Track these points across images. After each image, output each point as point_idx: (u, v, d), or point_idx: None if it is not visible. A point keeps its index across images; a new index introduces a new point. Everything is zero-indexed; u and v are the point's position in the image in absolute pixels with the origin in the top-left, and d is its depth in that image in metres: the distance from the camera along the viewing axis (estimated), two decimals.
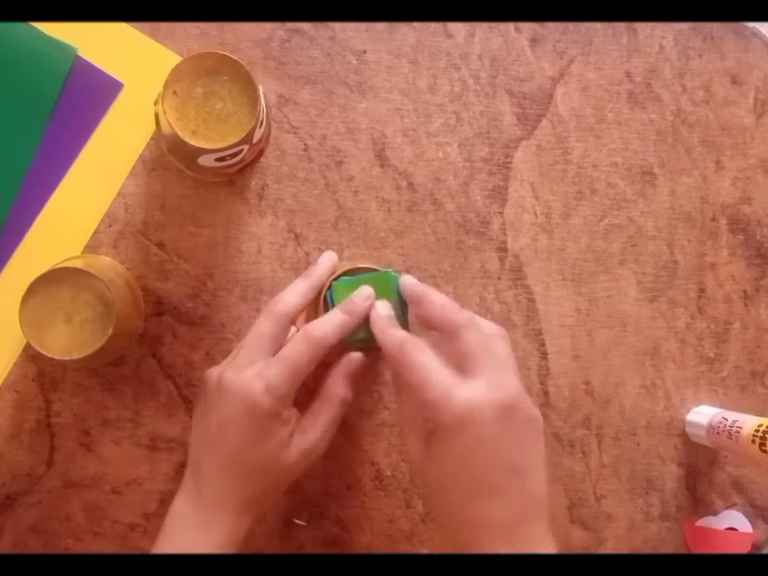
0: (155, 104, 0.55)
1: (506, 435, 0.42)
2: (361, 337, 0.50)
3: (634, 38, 0.65)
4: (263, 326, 0.48)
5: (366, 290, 0.49)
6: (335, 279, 0.52)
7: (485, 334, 0.45)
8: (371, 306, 0.49)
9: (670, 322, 0.65)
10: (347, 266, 0.55)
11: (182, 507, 0.48)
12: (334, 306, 0.51)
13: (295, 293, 0.49)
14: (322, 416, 0.48)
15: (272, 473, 0.47)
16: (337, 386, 0.48)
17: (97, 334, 0.51)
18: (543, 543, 0.42)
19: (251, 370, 0.46)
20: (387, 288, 0.50)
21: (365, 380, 0.57)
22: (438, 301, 0.47)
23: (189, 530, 0.46)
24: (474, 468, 0.42)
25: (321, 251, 0.60)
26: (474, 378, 0.43)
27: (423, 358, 0.44)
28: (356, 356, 0.49)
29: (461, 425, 0.41)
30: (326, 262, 0.54)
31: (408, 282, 0.50)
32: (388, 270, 0.52)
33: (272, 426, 0.46)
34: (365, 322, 0.49)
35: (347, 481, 0.60)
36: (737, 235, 0.66)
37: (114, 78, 0.58)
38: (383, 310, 0.49)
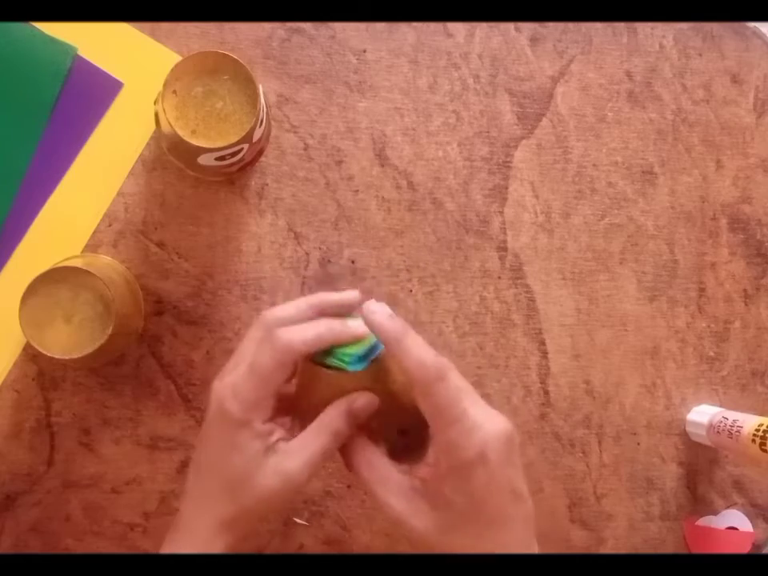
0: (155, 103, 0.55)
1: (510, 463, 0.42)
2: (337, 359, 0.44)
3: (634, 38, 0.65)
4: (250, 333, 0.45)
5: (358, 322, 0.45)
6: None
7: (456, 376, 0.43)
8: (358, 336, 0.45)
9: (670, 321, 0.65)
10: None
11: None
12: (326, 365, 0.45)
13: (291, 303, 0.46)
14: (311, 444, 0.44)
15: (243, 493, 0.43)
16: (331, 417, 0.44)
17: (96, 334, 0.51)
18: None
19: (231, 376, 0.44)
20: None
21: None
22: (416, 352, 0.43)
23: (173, 538, 0.45)
24: (490, 501, 0.42)
25: (321, 250, 0.61)
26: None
27: (465, 384, 0.43)
28: (364, 395, 0.44)
29: (480, 458, 0.41)
30: (345, 294, 0.47)
31: (386, 321, 0.43)
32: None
33: (241, 436, 0.43)
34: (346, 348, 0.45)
35: (347, 480, 0.60)
36: (737, 234, 0.66)
37: (113, 78, 0.58)
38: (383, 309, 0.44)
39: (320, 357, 0.44)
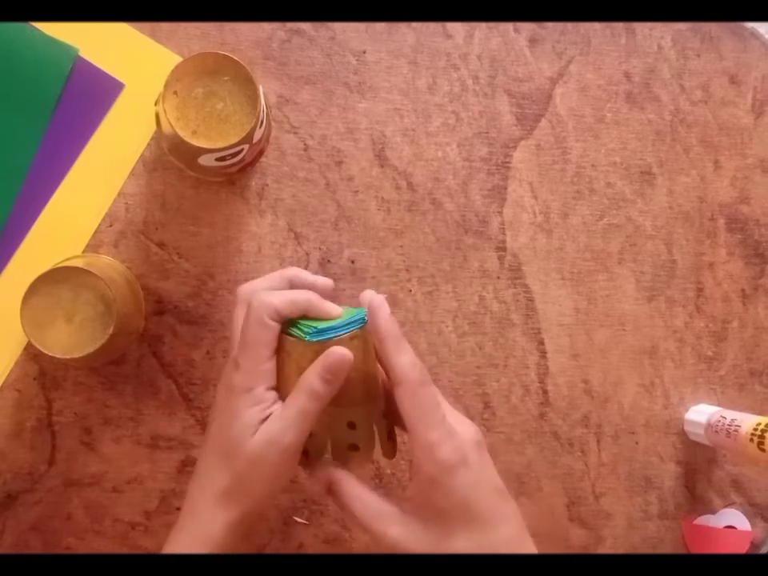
0: (156, 104, 0.55)
1: (488, 464, 0.45)
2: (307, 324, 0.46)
3: (632, 39, 0.65)
4: (235, 311, 0.49)
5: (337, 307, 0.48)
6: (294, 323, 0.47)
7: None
8: (329, 313, 0.47)
9: (668, 321, 0.65)
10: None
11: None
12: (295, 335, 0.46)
13: (267, 276, 0.49)
14: (289, 405, 0.45)
15: (236, 460, 0.45)
16: (306, 378, 0.45)
17: (97, 333, 0.51)
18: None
19: (232, 354, 0.47)
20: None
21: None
22: (410, 354, 0.45)
23: (178, 524, 0.46)
24: (480, 500, 0.43)
25: (321, 251, 0.61)
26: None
27: (436, 396, 0.45)
28: (337, 350, 0.45)
29: (461, 460, 0.43)
30: (319, 277, 0.51)
31: (390, 319, 0.45)
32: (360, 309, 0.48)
33: (240, 402, 0.45)
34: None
35: None
36: (735, 234, 0.66)
37: (115, 78, 0.59)
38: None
39: (287, 326, 0.47)
